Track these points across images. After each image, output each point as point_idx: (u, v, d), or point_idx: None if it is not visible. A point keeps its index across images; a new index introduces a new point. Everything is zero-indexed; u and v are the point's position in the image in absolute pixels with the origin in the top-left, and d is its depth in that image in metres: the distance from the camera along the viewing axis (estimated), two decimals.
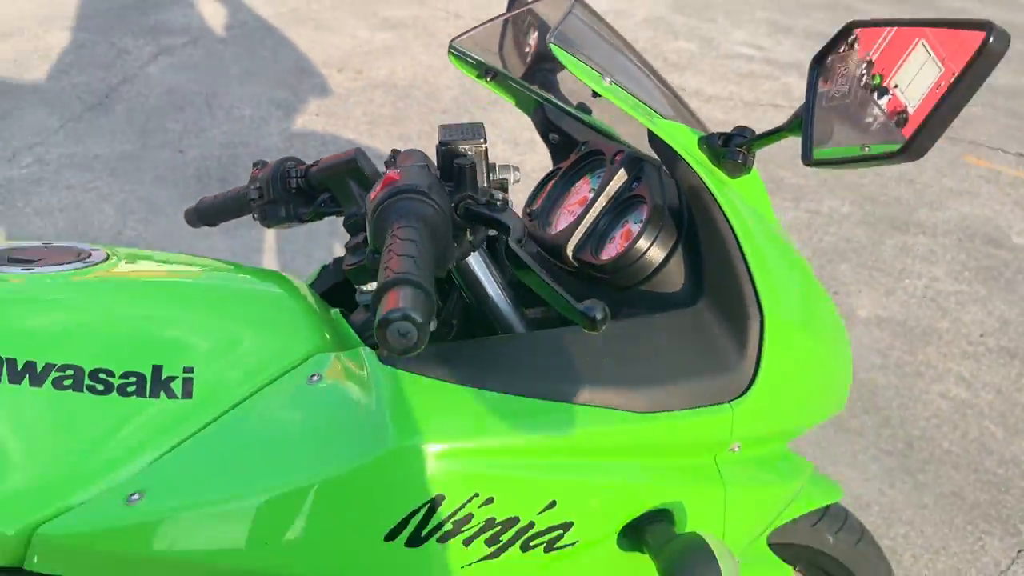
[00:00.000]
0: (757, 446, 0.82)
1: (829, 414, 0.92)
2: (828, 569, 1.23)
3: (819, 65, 0.75)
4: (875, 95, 0.66)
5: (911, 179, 3.35)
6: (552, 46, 0.78)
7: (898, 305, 2.60)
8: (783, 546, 1.14)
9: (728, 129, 0.84)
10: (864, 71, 0.67)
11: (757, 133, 0.81)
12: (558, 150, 1.08)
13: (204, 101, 3.67)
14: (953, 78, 0.62)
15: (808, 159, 0.74)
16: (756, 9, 5.28)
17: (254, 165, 1.04)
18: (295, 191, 0.99)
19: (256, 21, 4.62)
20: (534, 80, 1.05)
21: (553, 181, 1.01)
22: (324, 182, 0.98)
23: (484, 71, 1.02)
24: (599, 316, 0.62)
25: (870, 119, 0.67)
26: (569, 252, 0.87)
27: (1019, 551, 1.85)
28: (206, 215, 1.11)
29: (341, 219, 0.88)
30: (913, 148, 0.64)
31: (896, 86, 0.66)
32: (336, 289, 1.01)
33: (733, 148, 0.79)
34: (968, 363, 2.38)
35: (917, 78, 0.63)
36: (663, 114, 0.82)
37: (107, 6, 4.71)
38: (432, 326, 0.55)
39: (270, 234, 2.76)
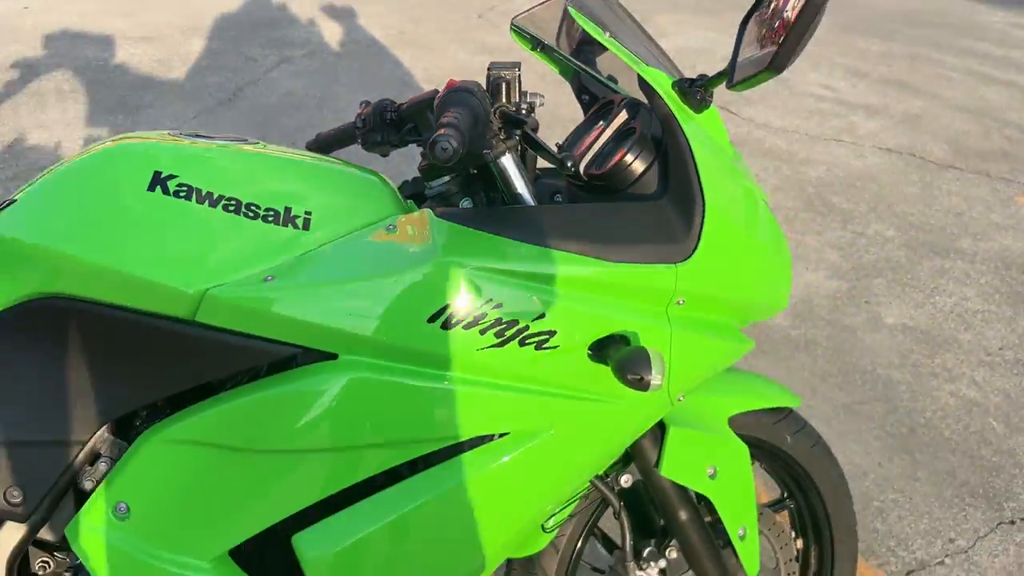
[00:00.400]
0: (700, 307, 1.11)
1: (768, 305, 1.20)
2: (787, 469, 1.49)
3: (745, 23, 1.06)
4: (767, 33, 0.97)
5: (959, 212, 3.53)
6: (570, 8, 1.11)
7: (925, 317, 2.81)
8: (745, 439, 1.41)
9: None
10: (767, 20, 0.98)
11: (709, 76, 1.12)
12: (587, 108, 1.41)
13: (316, 104, 4.14)
14: (800, 5, 0.93)
15: (730, 85, 1.05)
16: (836, 55, 5.52)
17: (360, 104, 1.40)
18: (389, 123, 1.34)
19: (368, 41, 5.12)
20: (578, 56, 1.38)
21: (577, 127, 1.33)
22: (410, 115, 1.32)
23: (536, 44, 1.35)
24: (570, 164, 0.98)
25: (766, 51, 0.97)
26: (581, 168, 1.19)
27: (999, 523, 2.04)
28: (322, 145, 1.47)
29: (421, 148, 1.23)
30: (776, 63, 0.95)
31: (778, 24, 0.97)
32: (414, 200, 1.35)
33: (695, 88, 1.10)
34: (982, 370, 2.57)
35: (787, 13, 0.94)
36: (648, 63, 1.13)
37: (240, 21, 5.29)
38: (459, 151, 0.89)
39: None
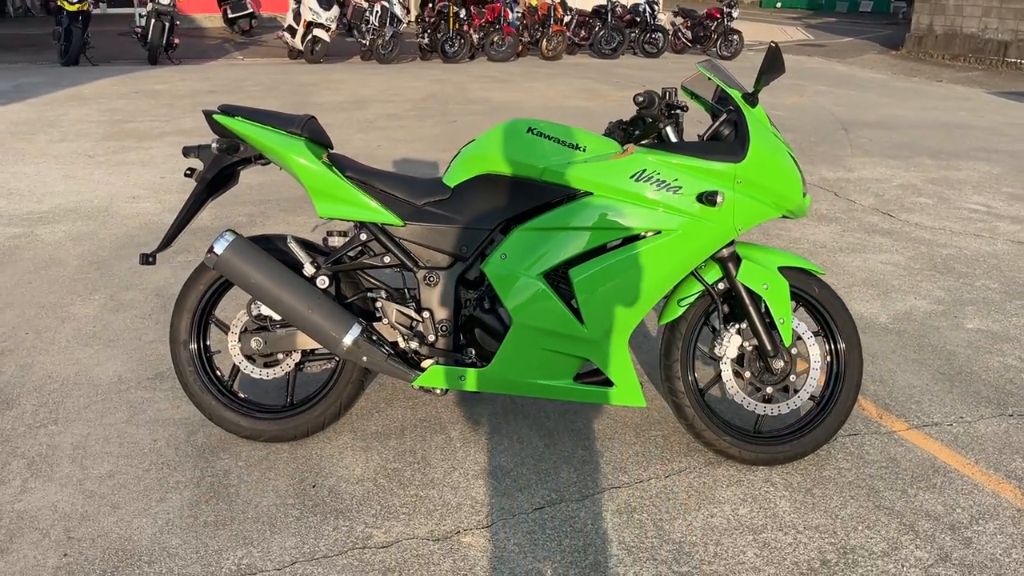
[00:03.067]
0: (748, 187, 2.49)
1: (791, 208, 2.57)
2: (816, 312, 2.75)
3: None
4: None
5: None
6: (700, 68, 2.64)
7: (997, 327, 3.84)
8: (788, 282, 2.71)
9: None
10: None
11: (752, 93, 2.57)
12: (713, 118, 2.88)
13: None
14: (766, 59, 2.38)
15: (754, 91, 2.51)
16: (1003, 186, 6.52)
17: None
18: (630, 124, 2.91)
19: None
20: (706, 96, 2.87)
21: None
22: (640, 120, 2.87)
23: (689, 92, 2.86)
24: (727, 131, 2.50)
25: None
26: (705, 137, 2.65)
27: (1000, 414, 3.07)
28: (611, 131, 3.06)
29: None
30: (752, 95, 2.43)
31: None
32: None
33: (752, 96, 2.55)
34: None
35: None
36: (732, 87, 2.61)
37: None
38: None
39: None
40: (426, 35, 14.92)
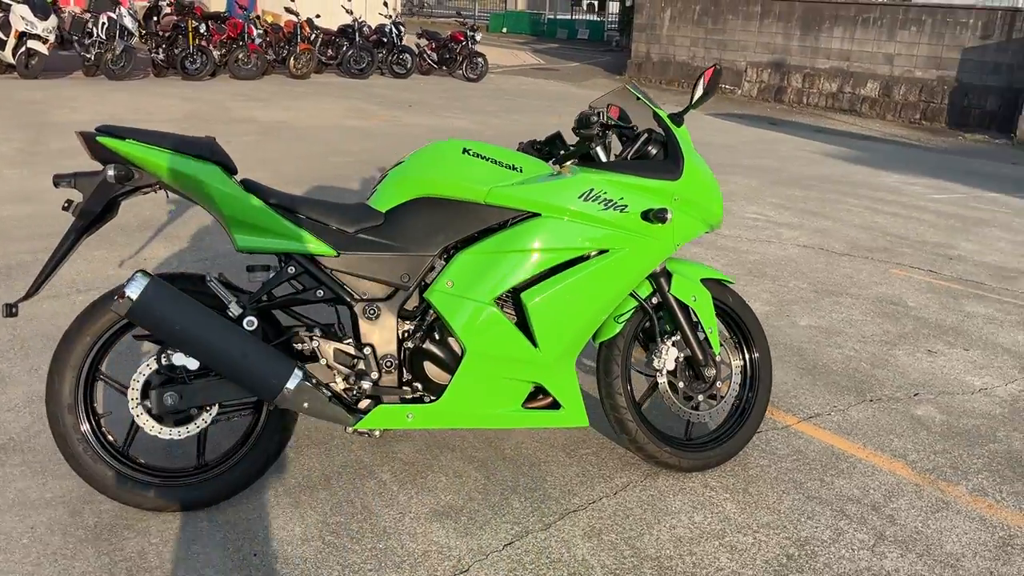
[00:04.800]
0: (684, 204, 2.59)
1: (713, 224, 2.70)
2: (730, 318, 2.92)
3: (695, 84, 2.64)
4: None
5: (851, 276, 5.13)
6: (629, 87, 2.70)
7: (824, 322, 4.31)
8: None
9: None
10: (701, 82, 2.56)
11: (680, 113, 2.68)
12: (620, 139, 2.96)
13: None
14: (704, 83, 2.51)
15: (683, 113, 2.62)
16: (768, 197, 7.32)
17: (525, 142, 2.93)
18: (543, 145, 2.88)
19: None
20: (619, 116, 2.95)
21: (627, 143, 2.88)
22: (549, 142, 2.87)
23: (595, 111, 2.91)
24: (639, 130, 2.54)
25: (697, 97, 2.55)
26: (628, 156, 2.71)
27: (863, 400, 3.44)
28: (525, 149, 3.00)
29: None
30: (691, 106, 2.54)
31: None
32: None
33: (676, 117, 2.65)
34: (859, 343, 4.04)
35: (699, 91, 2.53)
36: (657, 109, 2.69)
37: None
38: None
39: None
40: (161, 50, 13.84)
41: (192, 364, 2.33)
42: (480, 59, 17.43)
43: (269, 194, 2.38)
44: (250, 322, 2.34)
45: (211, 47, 14.00)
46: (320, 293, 2.44)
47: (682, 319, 2.72)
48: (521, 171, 2.53)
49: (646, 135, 2.70)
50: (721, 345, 2.85)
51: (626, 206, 2.52)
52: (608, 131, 2.67)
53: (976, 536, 2.57)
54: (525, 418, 2.59)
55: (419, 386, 2.52)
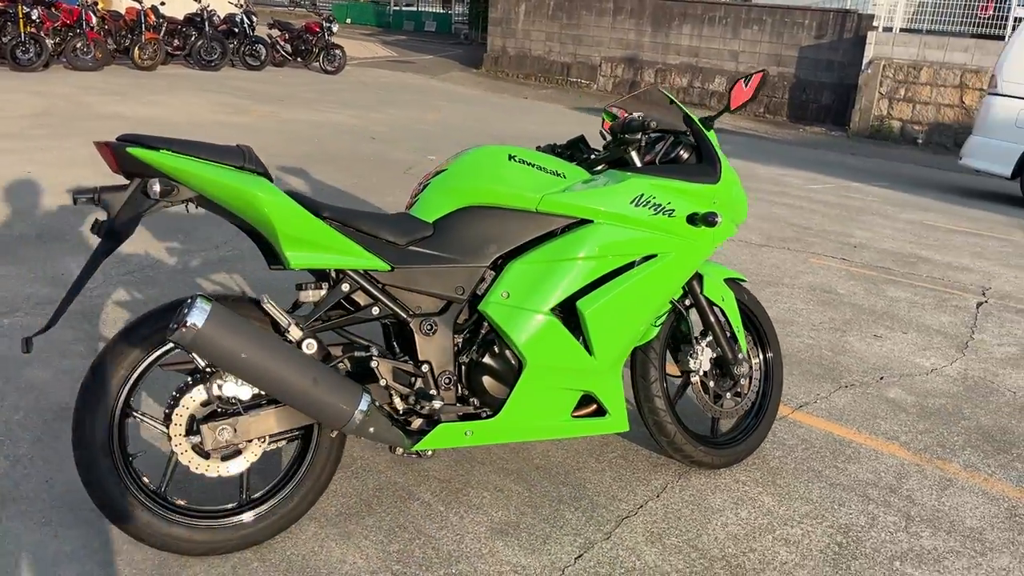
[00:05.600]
0: (722, 205, 2.63)
1: (739, 221, 2.76)
2: (746, 316, 2.99)
3: (730, 89, 2.67)
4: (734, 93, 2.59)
5: (779, 266, 5.39)
6: (662, 89, 2.69)
7: (773, 312, 4.51)
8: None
9: None
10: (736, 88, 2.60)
11: (712, 117, 2.71)
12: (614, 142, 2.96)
13: None
14: (752, 89, 2.55)
15: (719, 114, 2.66)
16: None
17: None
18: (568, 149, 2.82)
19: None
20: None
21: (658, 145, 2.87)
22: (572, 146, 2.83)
23: (611, 117, 2.90)
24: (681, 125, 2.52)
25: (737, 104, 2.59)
26: (657, 160, 2.71)
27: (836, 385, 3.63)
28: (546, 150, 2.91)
29: None
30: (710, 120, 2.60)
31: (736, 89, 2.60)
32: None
33: (709, 120, 2.68)
34: (809, 331, 4.26)
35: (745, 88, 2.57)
36: (689, 112, 2.71)
37: None
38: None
39: None
40: None
41: (244, 393, 2.14)
42: (338, 51, 16.99)
43: (320, 207, 2.22)
44: (310, 345, 2.18)
45: (44, 35, 12.87)
46: (376, 310, 2.30)
47: (713, 319, 2.76)
48: (565, 177, 2.48)
49: (672, 138, 2.72)
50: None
51: (673, 210, 2.52)
52: (646, 135, 2.65)
53: (987, 510, 2.76)
54: (574, 427, 2.55)
55: (475, 402, 2.43)
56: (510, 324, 2.35)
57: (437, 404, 2.31)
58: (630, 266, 2.49)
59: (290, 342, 2.15)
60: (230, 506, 2.27)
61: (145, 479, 2.18)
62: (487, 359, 2.41)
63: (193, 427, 2.15)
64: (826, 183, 9.33)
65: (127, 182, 2.07)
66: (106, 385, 2.08)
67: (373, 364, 2.29)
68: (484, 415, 2.42)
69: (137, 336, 2.11)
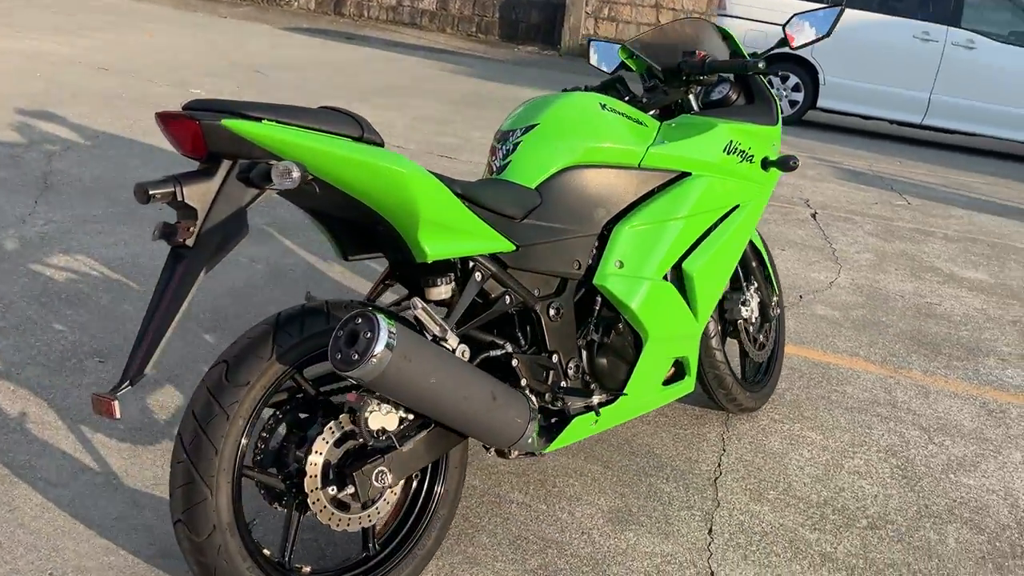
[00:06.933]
0: (778, 143, 2.54)
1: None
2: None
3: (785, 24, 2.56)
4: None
5: None
6: (715, 24, 2.50)
7: None
8: None
9: None
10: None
11: (763, 53, 2.58)
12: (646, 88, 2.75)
13: None
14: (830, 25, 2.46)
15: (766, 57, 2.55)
16: (475, 119, 7.34)
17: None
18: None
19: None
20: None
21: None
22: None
23: (629, 54, 2.65)
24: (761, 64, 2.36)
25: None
26: (702, 102, 2.54)
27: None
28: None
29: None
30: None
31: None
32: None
33: (758, 58, 2.55)
34: None
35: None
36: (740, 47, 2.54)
37: None
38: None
39: None
40: None
41: (391, 422, 1.71)
42: None
43: (445, 180, 1.79)
44: (465, 353, 1.79)
45: None
46: (508, 299, 1.94)
47: (755, 264, 2.71)
48: (647, 127, 2.25)
49: (717, 77, 2.57)
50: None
51: (753, 156, 2.40)
52: (702, 76, 2.45)
53: (971, 411, 3.05)
54: (663, 396, 2.39)
55: (596, 387, 2.18)
56: (629, 296, 2.11)
57: (575, 397, 2.04)
58: (719, 220, 2.34)
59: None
60: (359, 558, 1.84)
61: (267, 552, 1.69)
62: (608, 338, 2.16)
63: (329, 476, 1.69)
64: None
65: (199, 165, 1.53)
66: (224, 446, 1.56)
67: (514, 363, 1.94)
68: (607, 400, 2.17)
69: (248, 370, 1.59)
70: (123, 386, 1.44)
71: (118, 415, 1.42)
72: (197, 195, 1.48)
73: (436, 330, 1.71)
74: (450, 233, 1.74)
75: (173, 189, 1.46)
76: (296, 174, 1.46)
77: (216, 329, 3.00)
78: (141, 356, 1.44)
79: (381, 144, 1.67)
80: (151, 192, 1.43)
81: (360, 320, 1.53)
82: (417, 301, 1.69)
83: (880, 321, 3.80)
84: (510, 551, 2.07)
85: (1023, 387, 3.30)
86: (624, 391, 2.16)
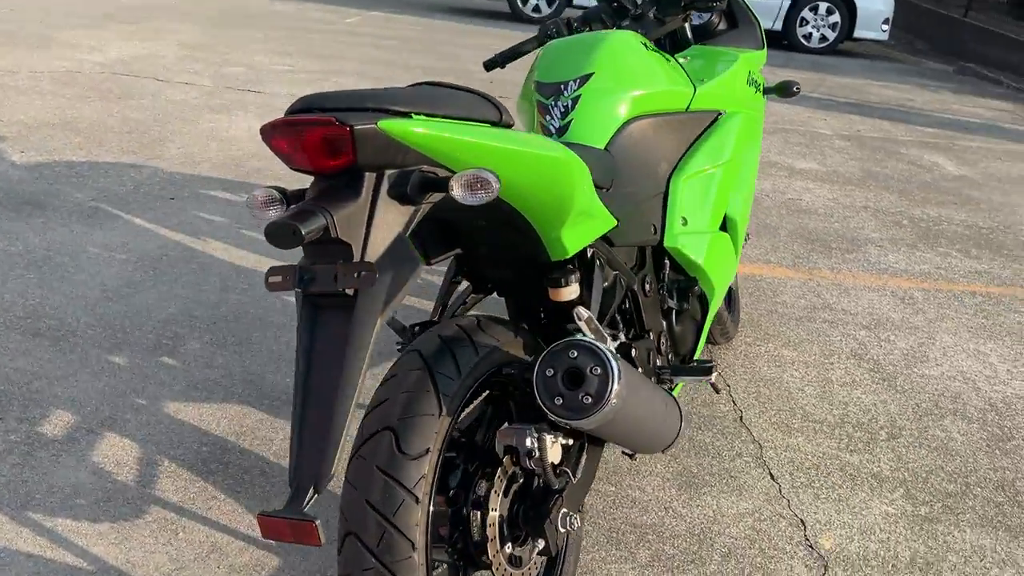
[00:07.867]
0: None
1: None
2: None
3: None
4: None
5: None
6: None
7: None
8: None
9: None
10: None
11: None
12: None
13: None
14: None
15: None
16: (273, 44, 6.55)
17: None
18: (575, 29, 2.22)
19: None
20: None
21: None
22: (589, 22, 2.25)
23: None
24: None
25: None
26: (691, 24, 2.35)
27: None
28: (501, 61, 2.24)
29: None
30: None
31: None
32: None
33: None
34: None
35: None
36: None
37: None
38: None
39: None
40: None
41: (556, 454, 1.46)
42: None
43: None
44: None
45: None
46: (622, 283, 1.71)
47: None
48: (674, 65, 2.06)
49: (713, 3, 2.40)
50: None
51: (759, 84, 2.29)
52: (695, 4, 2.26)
53: (889, 303, 3.27)
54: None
55: (672, 354, 2.02)
56: (699, 254, 1.95)
57: (685, 377, 1.87)
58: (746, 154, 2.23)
59: None
60: None
61: None
62: (685, 304, 1.99)
63: (505, 532, 1.42)
64: (372, 13, 9.00)
65: (321, 182, 1.17)
66: (417, 535, 1.23)
67: (633, 353, 1.72)
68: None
69: (422, 433, 1.26)
70: (312, 497, 1.07)
71: (323, 541, 1.05)
72: (351, 225, 1.11)
73: (609, 343, 1.45)
74: (586, 220, 1.47)
75: (325, 222, 1.07)
76: (496, 185, 1.12)
77: (119, 348, 2.43)
78: (324, 447, 1.07)
79: (512, 124, 1.35)
80: (305, 232, 1.04)
81: (576, 353, 1.24)
82: (582, 311, 1.40)
83: (769, 224, 3.94)
84: (612, 547, 1.90)
85: (910, 271, 3.59)
86: (694, 355, 2.03)
